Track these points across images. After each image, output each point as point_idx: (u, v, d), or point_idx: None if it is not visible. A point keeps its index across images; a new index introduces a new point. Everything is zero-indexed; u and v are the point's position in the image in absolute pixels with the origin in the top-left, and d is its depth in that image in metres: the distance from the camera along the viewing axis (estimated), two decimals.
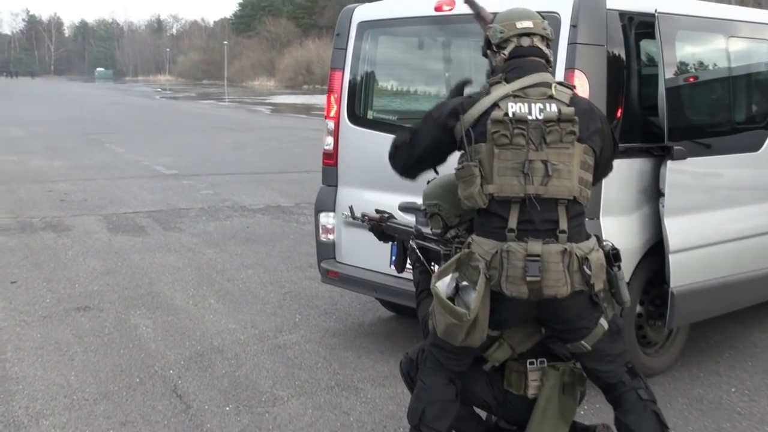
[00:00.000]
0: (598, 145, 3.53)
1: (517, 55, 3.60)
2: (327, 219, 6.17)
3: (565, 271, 3.38)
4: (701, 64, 5.96)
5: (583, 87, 4.93)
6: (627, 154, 5.14)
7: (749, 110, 6.24)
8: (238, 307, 7.02)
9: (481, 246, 3.46)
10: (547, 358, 3.79)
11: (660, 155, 5.25)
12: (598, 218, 5.04)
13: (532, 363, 3.78)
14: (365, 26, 6.05)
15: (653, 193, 5.26)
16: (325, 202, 6.18)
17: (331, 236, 6.16)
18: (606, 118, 3.78)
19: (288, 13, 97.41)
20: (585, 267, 3.41)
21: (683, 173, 5.31)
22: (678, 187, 5.26)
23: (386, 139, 5.78)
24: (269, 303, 7.14)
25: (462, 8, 5.49)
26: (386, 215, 4.51)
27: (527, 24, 3.64)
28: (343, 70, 6.10)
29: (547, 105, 3.44)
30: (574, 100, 3.52)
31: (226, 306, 7.04)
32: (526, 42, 3.61)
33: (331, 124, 6.15)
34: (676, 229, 5.22)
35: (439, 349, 3.63)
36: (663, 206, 5.19)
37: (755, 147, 5.97)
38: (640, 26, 5.27)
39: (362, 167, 6.00)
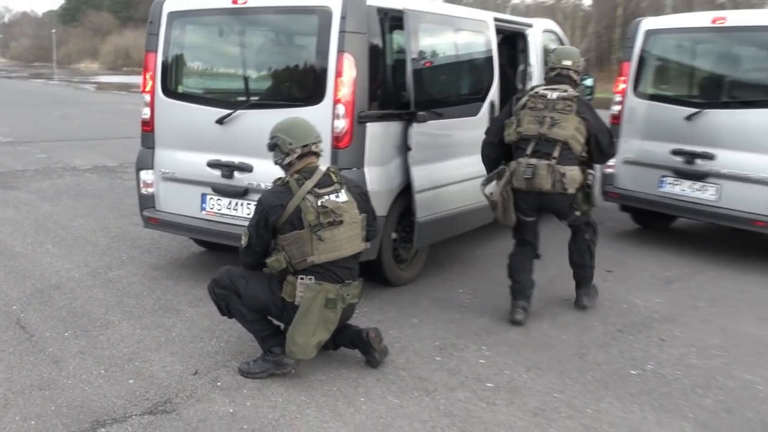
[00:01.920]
0: (589, 122, 4.88)
1: (558, 75, 5.10)
2: (147, 175, 5.92)
3: (549, 176, 4.77)
4: (437, 50, 6.14)
5: (350, 66, 4.98)
6: (384, 118, 5.29)
7: (471, 86, 6.52)
8: (72, 250, 6.58)
9: (510, 164, 4.96)
10: (317, 277, 3.91)
11: (408, 119, 5.43)
12: (363, 168, 5.13)
13: (302, 279, 3.92)
14: (174, 15, 5.78)
15: (404, 148, 5.42)
16: (145, 162, 5.92)
17: (150, 189, 5.93)
18: (593, 114, 4.99)
19: (108, 7, 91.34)
20: (564, 179, 4.76)
21: (425, 134, 5.52)
22: (421, 143, 5.47)
23: (194, 109, 5.69)
24: (99, 245, 6.75)
25: (254, 1, 5.45)
26: None
27: (567, 62, 5.09)
28: (156, 52, 5.83)
29: (561, 92, 4.92)
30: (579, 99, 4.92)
31: (62, 250, 6.59)
32: (564, 72, 5.08)
33: (148, 97, 5.88)
34: (420, 175, 5.44)
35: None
36: (410, 158, 5.38)
37: (475, 113, 6.31)
38: (393, 20, 5.37)
39: (174, 132, 5.80)
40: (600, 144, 4.95)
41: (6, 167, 11.06)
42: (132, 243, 6.87)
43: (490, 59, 6.48)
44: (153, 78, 5.84)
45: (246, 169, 5.40)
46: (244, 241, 4.04)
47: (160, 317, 5.01)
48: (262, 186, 5.28)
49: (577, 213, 5.00)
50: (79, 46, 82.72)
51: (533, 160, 4.81)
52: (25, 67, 76.22)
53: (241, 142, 5.41)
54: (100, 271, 5.99)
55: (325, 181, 4.01)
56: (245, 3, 5.40)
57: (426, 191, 5.53)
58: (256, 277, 4.09)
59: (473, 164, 6.16)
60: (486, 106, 6.40)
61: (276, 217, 3.90)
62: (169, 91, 5.81)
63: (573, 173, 4.81)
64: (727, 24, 6.76)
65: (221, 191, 5.52)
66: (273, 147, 4.06)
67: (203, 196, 5.65)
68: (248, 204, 5.40)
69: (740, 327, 5.09)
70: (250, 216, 4.12)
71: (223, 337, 4.67)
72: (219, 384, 4.02)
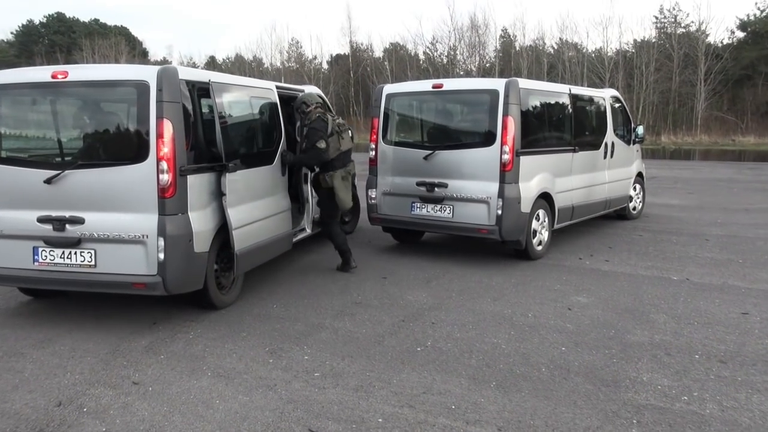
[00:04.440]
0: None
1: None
2: None
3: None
4: (239, 112, 6.20)
5: (168, 130, 4.89)
6: (199, 171, 5.22)
7: (266, 140, 6.56)
8: None
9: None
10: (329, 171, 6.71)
11: (221, 170, 5.46)
12: (187, 213, 5.05)
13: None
14: None
15: (219, 193, 5.44)
16: None
17: None
18: None
19: None
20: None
21: (235, 181, 5.57)
22: (233, 189, 5.53)
23: (20, 171, 5.20)
24: None
25: (74, 76, 5.13)
26: None
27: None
28: None
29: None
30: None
31: None
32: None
33: None
34: (234, 215, 5.49)
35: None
36: (225, 202, 5.41)
37: (270, 161, 6.45)
38: (201, 90, 5.35)
39: (0, 193, 5.26)
40: None
41: None
42: None
43: (277, 117, 6.69)
44: None
45: (78, 221, 5.07)
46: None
47: (8, 362, 4.52)
48: (95, 235, 5.02)
49: None
50: None
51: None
52: None
53: (71, 197, 5.08)
54: None
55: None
56: (65, 78, 5.10)
57: (240, 228, 5.58)
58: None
59: (273, 204, 6.38)
60: (278, 155, 6.57)
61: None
62: None
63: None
64: (444, 88, 7.68)
65: (54, 243, 5.10)
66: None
67: (35, 249, 5.17)
68: (82, 252, 5.07)
69: (483, 307, 5.81)
70: None
71: (76, 370, 4.35)
72: (85, 410, 3.77)
